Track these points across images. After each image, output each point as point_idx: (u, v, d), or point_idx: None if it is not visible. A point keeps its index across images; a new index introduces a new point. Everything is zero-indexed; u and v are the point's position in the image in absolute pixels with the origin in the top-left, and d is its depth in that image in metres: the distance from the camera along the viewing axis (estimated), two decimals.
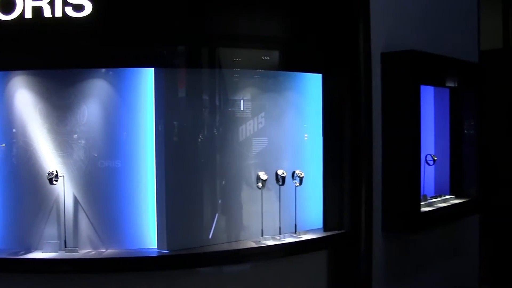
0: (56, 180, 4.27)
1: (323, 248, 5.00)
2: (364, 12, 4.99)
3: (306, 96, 5.15)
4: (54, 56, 4.23)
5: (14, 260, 4.16)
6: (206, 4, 4.38)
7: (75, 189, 4.41)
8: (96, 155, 4.41)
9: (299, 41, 4.81)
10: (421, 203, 5.56)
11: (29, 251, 4.31)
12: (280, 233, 4.79)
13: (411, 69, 5.28)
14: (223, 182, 4.75)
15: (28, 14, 4.07)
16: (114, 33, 4.24)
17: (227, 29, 4.44)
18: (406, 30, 5.63)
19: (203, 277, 4.53)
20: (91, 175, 4.41)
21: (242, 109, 4.82)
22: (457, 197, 6.35)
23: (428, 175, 6.15)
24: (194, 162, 4.56)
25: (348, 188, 5.01)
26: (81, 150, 4.40)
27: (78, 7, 4.08)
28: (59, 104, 4.39)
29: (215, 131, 4.72)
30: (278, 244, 4.64)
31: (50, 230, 4.39)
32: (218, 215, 4.68)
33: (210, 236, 4.61)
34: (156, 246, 4.42)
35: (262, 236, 4.71)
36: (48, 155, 4.40)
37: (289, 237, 4.78)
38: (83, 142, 4.40)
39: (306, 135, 5.17)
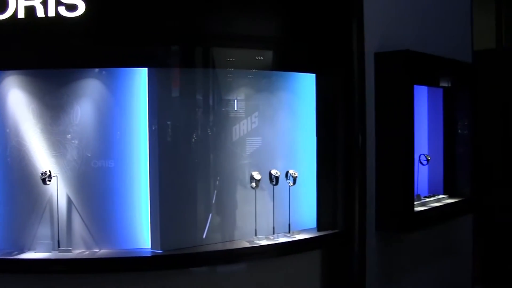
0: (50, 180, 4.25)
1: (316, 248, 5.00)
2: (358, 12, 5.00)
3: (300, 96, 5.15)
4: (47, 56, 4.21)
5: (7, 261, 4.15)
6: (199, 4, 4.38)
7: (69, 189, 4.40)
8: (89, 155, 4.40)
9: (292, 41, 4.81)
10: (415, 203, 5.56)
11: (22, 251, 4.29)
12: (273, 233, 4.79)
13: (404, 69, 5.28)
14: (217, 182, 4.74)
15: (21, 14, 4.05)
16: (107, 33, 4.23)
17: (220, 29, 4.44)
18: (399, 30, 5.64)
19: (197, 277, 4.53)
20: (85, 175, 4.40)
21: (235, 109, 4.82)
22: (450, 197, 6.36)
23: (422, 174, 6.16)
24: (187, 162, 4.56)
25: (342, 187, 5.02)
26: (75, 150, 4.39)
27: (71, 7, 4.06)
28: (52, 104, 4.37)
29: (208, 131, 4.72)
30: (272, 244, 4.64)
31: (43, 230, 4.37)
32: (211, 215, 4.67)
33: (204, 236, 4.61)
34: (149, 246, 4.41)
35: (256, 236, 4.71)
36: (41, 155, 4.38)
37: (282, 237, 4.79)
38: (76, 142, 4.39)
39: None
